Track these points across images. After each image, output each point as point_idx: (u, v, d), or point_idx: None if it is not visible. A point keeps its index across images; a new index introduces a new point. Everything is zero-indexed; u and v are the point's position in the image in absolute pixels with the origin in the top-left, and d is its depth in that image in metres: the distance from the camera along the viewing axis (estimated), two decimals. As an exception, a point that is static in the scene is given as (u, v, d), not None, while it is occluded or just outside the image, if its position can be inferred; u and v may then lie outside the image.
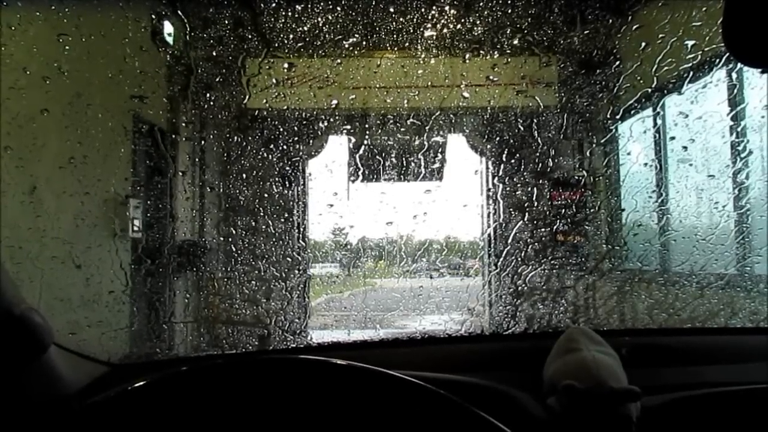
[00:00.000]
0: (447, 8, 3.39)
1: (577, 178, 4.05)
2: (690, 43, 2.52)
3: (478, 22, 3.47)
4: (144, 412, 0.88)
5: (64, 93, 2.46)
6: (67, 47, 2.31)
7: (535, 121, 3.51)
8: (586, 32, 3.68)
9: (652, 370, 1.38)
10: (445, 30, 3.44)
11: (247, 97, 3.12)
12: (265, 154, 3.58)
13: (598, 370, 1.17)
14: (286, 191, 3.62)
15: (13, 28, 2.18)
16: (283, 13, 3.26)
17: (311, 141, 3.96)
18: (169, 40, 3.51)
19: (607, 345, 1.30)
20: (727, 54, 0.87)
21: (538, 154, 3.54)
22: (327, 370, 0.92)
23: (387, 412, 0.89)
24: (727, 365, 1.48)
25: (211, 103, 3.59)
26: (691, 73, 2.67)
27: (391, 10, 3.40)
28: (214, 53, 3.42)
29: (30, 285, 1.60)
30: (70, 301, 1.80)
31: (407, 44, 3.52)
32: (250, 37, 3.27)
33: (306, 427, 0.89)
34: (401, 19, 3.44)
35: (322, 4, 3.33)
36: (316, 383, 0.91)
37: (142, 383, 0.89)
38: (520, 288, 2.70)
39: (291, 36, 3.32)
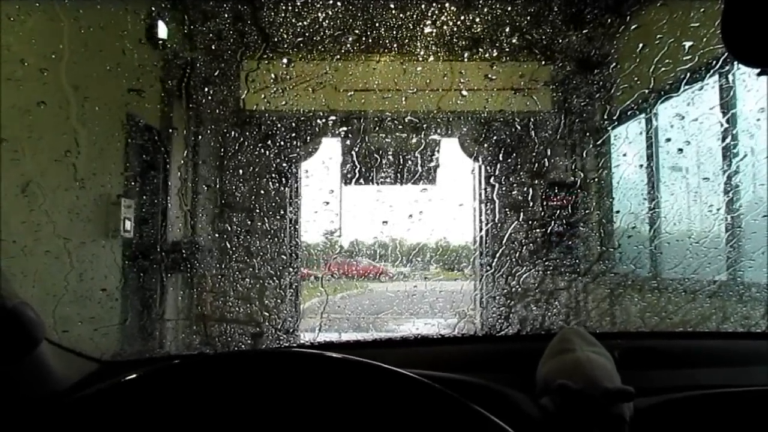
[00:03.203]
0: (446, 7, 3.38)
1: (571, 179, 4.05)
2: (687, 44, 2.53)
3: (477, 20, 3.47)
4: (134, 406, 0.87)
5: (61, 86, 2.45)
6: (65, 40, 2.30)
7: (531, 121, 3.51)
8: (583, 33, 3.68)
9: (643, 373, 1.38)
10: (444, 28, 3.44)
11: (244, 94, 3.11)
12: (262, 152, 3.57)
13: (592, 370, 1.18)
14: (281, 190, 3.61)
15: (12, 19, 2.17)
16: (283, 8, 3.25)
17: (308, 140, 3.95)
18: (167, 34, 3.50)
19: (601, 345, 1.31)
20: (725, 56, 0.88)
21: (533, 155, 3.54)
22: (320, 363, 0.92)
23: (383, 407, 0.89)
24: (719, 368, 1.49)
25: (209, 98, 3.58)
26: (688, 74, 2.68)
27: (391, 6, 3.39)
28: (213, 49, 3.41)
29: (23, 279, 1.59)
30: (62, 296, 1.78)
31: (406, 42, 3.51)
32: (248, 33, 3.26)
33: (298, 422, 0.89)
34: (401, 16, 3.43)
35: (321, 1, 3.32)
36: (310, 377, 0.91)
37: (132, 377, 0.88)
38: (513, 289, 2.71)
39: (289, 33, 3.31)
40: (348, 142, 3.78)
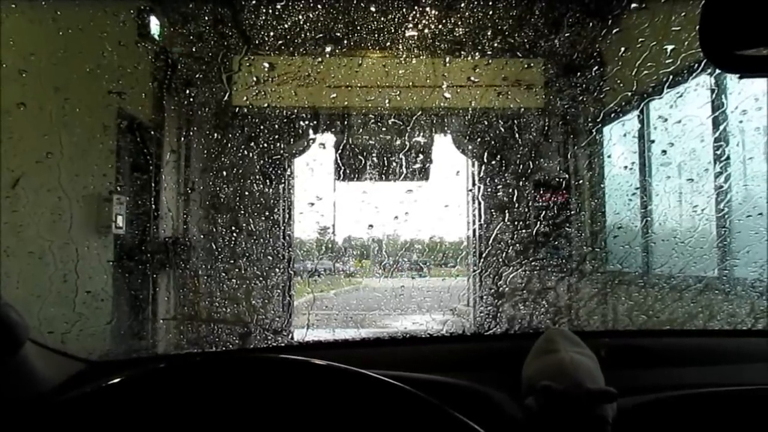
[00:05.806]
0: (430, 9, 3.36)
1: (559, 180, 4.06)
2: (670, 47, 2.55)
3: (470, 21, 3.46)
4: (119, 409, 0.87)
5: (44, 87, 2.43)
6: (50, 42, 2.28)
7: (518, 122, 3.51)
8: (572, 35, 3.68)
9: (631, 372, 1.39)
10: (434, 28, 3.42)
11: (227, 94, 3.09)
12: (250, 151, 3.55)
13: (575, 371, 1.18)
14: (270, 189, 3.60)
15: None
16: (279, 9, 3.22)
17: (296, 139, 3.93)
18: (156, 35, 3.48)
19: (585, 346, 1.31)
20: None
21: (521, 155, 3.55)
22: (304, 369, 0.92)
23: (362, 412, 0.89)
24: (706, 366, 1.50)
25: (196, 99, 3.56)
26: (672, 77, 2.69)
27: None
28: (203, 49, 3.39)
29: (6, 280, 1.58)
30: (48, 297, 1.77)
31: (390, 43, 3.48)
32: (236, 33, 3.24)
33: (282, 427, 0.89)
34: (388, 18, 3.40)
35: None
36: (294, 382, 0.91)
37: (117, 380, 0.88)
38: (501, 289, 2.71)
39: (284, 34, 3.28)
40: (338, 143, 3.77)
